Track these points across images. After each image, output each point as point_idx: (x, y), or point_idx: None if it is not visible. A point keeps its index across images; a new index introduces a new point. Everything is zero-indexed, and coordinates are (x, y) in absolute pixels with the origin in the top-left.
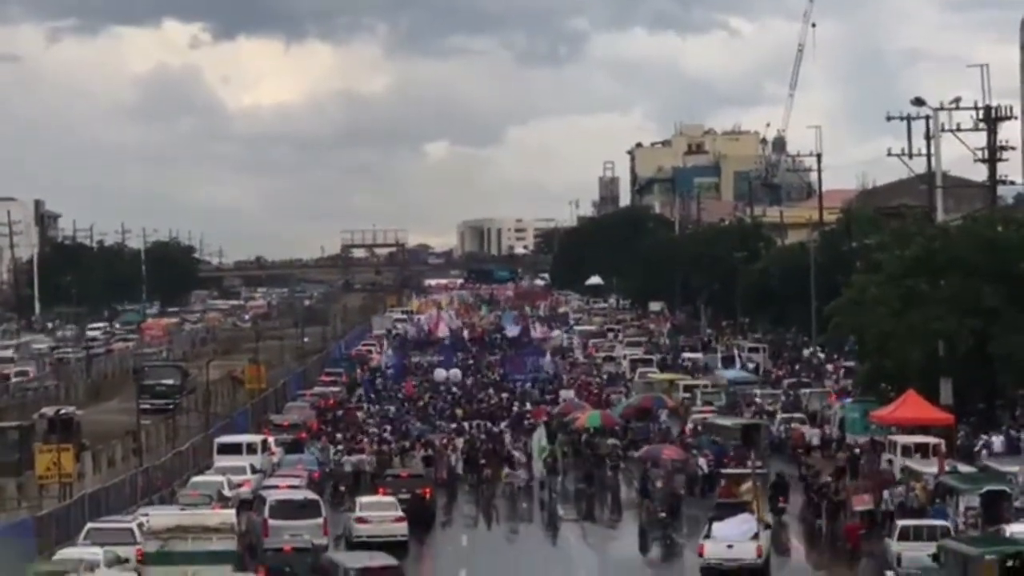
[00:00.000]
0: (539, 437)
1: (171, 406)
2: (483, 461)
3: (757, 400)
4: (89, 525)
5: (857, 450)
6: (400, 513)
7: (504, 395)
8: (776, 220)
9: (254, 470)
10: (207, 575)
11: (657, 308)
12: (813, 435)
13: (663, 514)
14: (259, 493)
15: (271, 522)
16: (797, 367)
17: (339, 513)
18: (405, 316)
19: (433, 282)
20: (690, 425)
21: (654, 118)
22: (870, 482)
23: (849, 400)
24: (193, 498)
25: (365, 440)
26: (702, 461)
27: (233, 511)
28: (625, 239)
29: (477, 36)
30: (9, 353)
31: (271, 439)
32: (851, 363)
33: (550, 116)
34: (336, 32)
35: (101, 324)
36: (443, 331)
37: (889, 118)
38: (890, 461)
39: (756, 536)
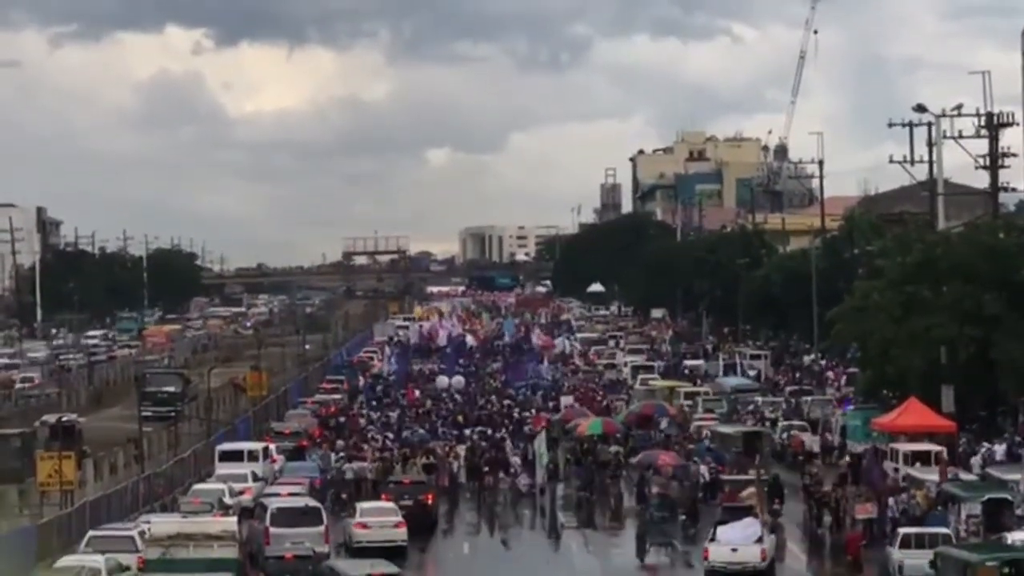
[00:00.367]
0: (540, 444)
1: (173, 413)
2: (486, 469)
3: (759, 407)
4: (91, 532)
5: (858, 458)
6: (400, 518)
7: (505, 402)
8: (778, 227)
9: (255, 477)
10: None
11: (659, 315)
12: (813, 442)
13: (659, 514)
14: (260, 501)
15: (272, 530)
16: (798, 374)
17: (340, 520)
18: (407, 323)
19: (435, 289)
20: (694, 432)
21: (656, 125)
22: (872, 490)
23: (851, 407)
24: (195, 505)
25: (367, 447)
26: (703, 468)
27: (234, 519)
28: (627, 246)
29: (479, 43)
30: (15, 360)
31: (272, 446)
32: (853, 370)
33: (552, 123)
34: (338, 38)
35: (98, 332)
36: (442, 339)
37: (891, 125)
38: (896, 469)
39: (760, 540)
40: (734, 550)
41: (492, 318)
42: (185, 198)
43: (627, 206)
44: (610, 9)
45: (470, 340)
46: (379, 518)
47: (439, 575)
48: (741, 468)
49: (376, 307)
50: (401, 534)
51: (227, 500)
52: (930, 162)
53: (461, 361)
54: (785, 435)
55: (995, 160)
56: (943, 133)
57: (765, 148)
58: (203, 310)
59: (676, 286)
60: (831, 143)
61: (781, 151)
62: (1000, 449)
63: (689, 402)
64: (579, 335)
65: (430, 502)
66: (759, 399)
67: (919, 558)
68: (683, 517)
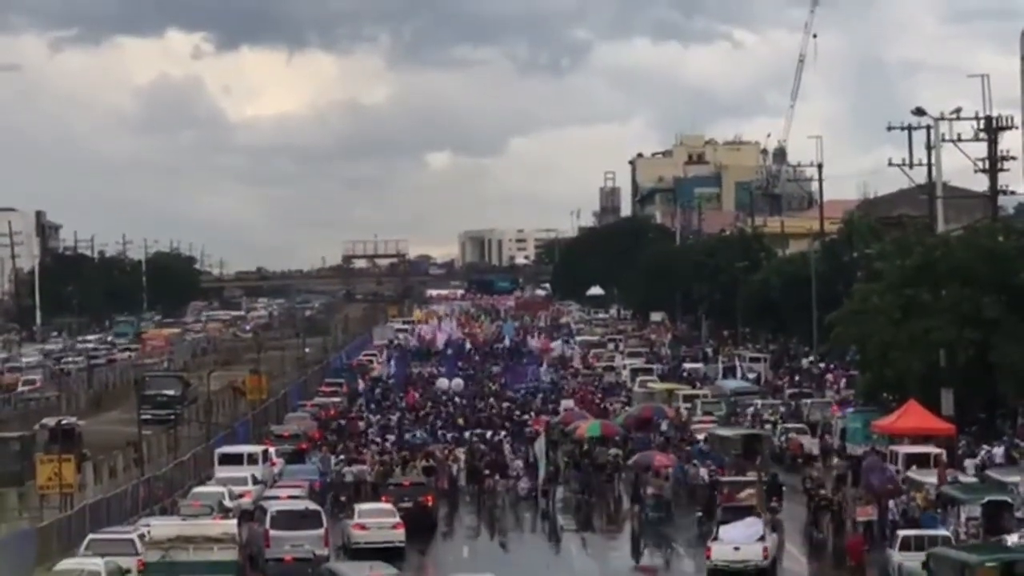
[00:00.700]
0: (540, 447)
1: (172, 416)
2: (486, 471)
3: (758, 410)
4: (90, 535)
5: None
6: (398, 520)
7: (505, 405)
8: (777, 230)
9: (255, 480)
10: None
11: (658, 318)
12: (813, 445)
13: (655, 515)
14: (260, 503)
15: (272, 532)
16: (798, 377)
17: (339, 523)
18: (407, 327)
19: (434, 292)
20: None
21: (655, 128)
22: (871, 493)
23: (851, 410)
24: (194, 508)
25: (366, 450)
26: (703, 471)
27: (234, 522)
28: (626, 249)
29: (479, 46)
30: (20, 363)
31: (272, 449)
32: (853, 373)
33: (551, 126)
34: (338, 42)
35: (93, 336)
36: (440, 342)
37: (890, 128)
38: (897, 471)
39: (763, 538)
40: (737, 549)
41: (491, 321)
42: (185, 202)
43: (626, 209)
44: (610, 13)
45: (469, 343)
46: (377, 519)
47: None
48: (740, 471)
49: (376, 310)
50: (399, 535)
51: (227, 503)
52: (929, 165)
53: (460, 364)
54: (784, 438)
55: (994, 163)
56: (942, 136)
57: (764, 151)
58: (199, 314)
59: (675, 289)
60: (830, 146)
61: (780, 154)
62: (999, 452)
63: (688, 405)
64: (578, 338)
65: (430, 504)
66: (758, 402)
67: (919, 560)
68: (699, 513)
